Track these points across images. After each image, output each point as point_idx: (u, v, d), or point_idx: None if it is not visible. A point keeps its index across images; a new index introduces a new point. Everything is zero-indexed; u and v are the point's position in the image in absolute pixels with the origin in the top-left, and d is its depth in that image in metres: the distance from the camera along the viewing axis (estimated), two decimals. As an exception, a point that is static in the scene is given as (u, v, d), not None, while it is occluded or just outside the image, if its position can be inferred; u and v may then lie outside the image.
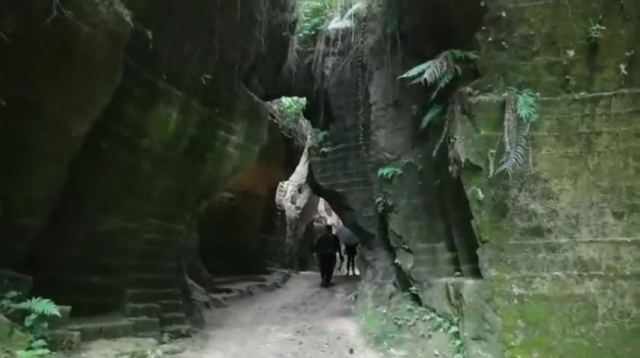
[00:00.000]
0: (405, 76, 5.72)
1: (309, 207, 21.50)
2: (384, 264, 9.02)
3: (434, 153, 5.97)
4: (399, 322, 7.41)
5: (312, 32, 10.35)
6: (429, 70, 5.14)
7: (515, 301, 5.48)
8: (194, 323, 7.38)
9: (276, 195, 18.65)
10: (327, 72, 9.70)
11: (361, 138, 8.95)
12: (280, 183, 19.18)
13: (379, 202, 8.25)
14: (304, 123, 15.76)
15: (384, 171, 7.93)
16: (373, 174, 8.57)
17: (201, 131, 6.49)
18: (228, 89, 6.78)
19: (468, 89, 5.57)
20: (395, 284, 8.53)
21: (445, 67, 5.19)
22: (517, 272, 5.52)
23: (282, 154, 14.85)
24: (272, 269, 16.59)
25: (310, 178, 10.58)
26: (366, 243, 9.72)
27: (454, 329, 6.23)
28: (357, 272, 17.73)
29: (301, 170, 18.67)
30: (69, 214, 5.06)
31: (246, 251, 15.37)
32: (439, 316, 6.84)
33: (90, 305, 5.51)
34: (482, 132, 5.55)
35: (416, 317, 7.30)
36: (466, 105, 5.57)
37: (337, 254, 15.63)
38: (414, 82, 5.62)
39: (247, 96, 7.28)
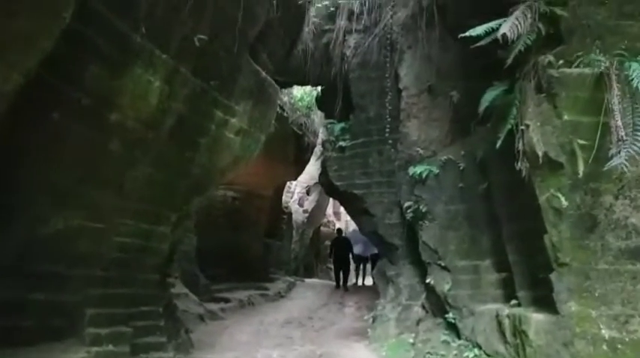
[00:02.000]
0: (467, 34, 4.27)
1: (318, 211, 20.09)
2: (410, 282, 7.55)
3: (498, 144, 4.50)
4: (432, 357, 5.95)
5: (332, 9, 8.92)
6: (507, 24, 3.70)
7: (605, 347, 4.04)
8: (178, 348, 5.96)
9: (283, 197, 17.26)
10: (349, 52, 8.25)
11: (388, 131, 7.50)
12: (288, 184, 17.79)
13: (408, 207, 6.81)
14: (316, 118, 14.37)
15: (417, 169, 6.49)
16: (401, 173, 7.14)
17: (193, 108, 5.08)
18: (229, 58, 5.37)
19: (548, 58, 4.14)
20: (424, 308, 7.07)
21: (529, 22, 3.73)
22: (608, 308, 4.08)
23: (291, 151, 13.46)
24: (276, 277, 15.25)
25: (324, 177, 9.12)
26: (388, 255, 8.26)
27: (512, 376, 4.80)
28: (367, 283, 16.44)
29: (311, 170, 17.32)
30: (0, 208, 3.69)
31: (248, 256, 14.01)
32: (487, 355, 5.38)
33: (32, 332, 4.12)
34: (567, 117, 4.11)
35: (454, 352, 5.83)
36: (544, 81, 4.14)
37: (350, 256, 15.13)
38: (479, 44, 4.19)
39: (253, 70, 5.87)
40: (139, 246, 5.11)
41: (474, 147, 6.17)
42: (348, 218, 25.70)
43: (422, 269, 7.33)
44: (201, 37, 4.79)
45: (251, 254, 14.12)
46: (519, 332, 4.68)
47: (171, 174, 5.24)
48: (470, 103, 6.51)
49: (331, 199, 21.96)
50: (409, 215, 6.85)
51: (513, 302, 5.21)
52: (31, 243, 4.08)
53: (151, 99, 4.57)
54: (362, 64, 8.06)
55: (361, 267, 16.88)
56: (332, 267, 21.44)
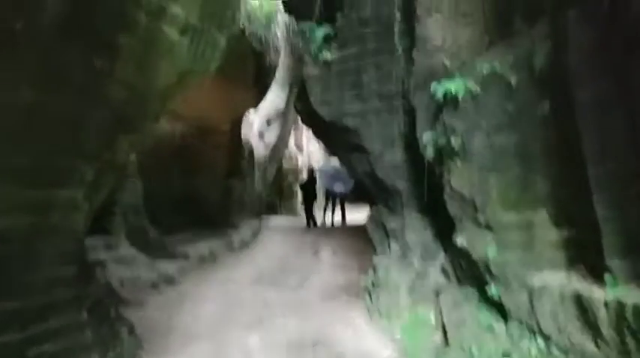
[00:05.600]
0: None
1: (280, 144, 18.09)
2: (421, 238, 5.90)
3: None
4: (474, 349, 4.38)
5: None
6: None
7: None
8: (119, 358, 4.09)
9: (242, 130, 15.07)
10: None
11: (396, 32, 5.43)
12: (246, 114, 15.49)
13: (430, 141, 4.95)
14: (279, 32, 11.95)
15: (447, 87, 4.55)
16: (418, 94, 5.20)
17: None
18: None
19: None
20: (445, 272, 5.46)
21: None
22: None
23: (251, 72, 11.10)
24: (239, 223, 13.46)
25: (301, 103, 7.03)
26: (386, 202, 6.52)
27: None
28: (335, 221, 15.09)
29: (271, 97, 15.13)
30: None
31: (206, 201, 12.10)
32: (560, 349, 3.85)
33: None
34: None
35: (505, 340, 4.29)
36: None
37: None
38: None
39: None
40: (26, 227, 3.01)
41: (528, 51, 4.29)
42: (312, 149, 23.94)
43: (437, 221, 5.70)
44: None
45: (209, 198, 12.19)
46: (635, 332, 3.12)
47: (73, 99, 3.06)
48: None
49: (292, 131, 19.92)
50: (429, 151, 5.01)
51: (607, 276, 3.61)
52: None
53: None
54: (356, -61, 5.79)
55: (329, 205, 15.33)
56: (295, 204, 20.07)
